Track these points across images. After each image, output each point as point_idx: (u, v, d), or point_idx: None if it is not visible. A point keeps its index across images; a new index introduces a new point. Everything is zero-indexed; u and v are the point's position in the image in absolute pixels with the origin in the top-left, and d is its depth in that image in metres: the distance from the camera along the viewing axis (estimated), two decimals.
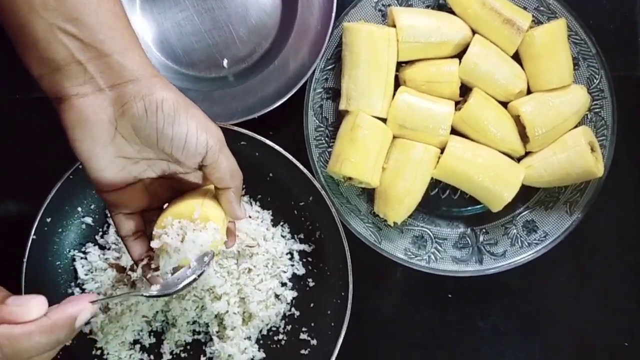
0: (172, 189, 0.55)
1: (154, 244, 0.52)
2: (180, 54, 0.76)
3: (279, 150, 0.69)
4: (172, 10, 0.76)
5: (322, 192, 0.69)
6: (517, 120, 0.71)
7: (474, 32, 0.71)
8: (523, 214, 0.74)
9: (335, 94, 0.73)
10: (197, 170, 0.55)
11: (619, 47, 0.76)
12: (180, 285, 0.51)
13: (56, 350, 0.43)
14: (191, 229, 0.51)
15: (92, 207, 0.73)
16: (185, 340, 0.72)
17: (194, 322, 0.73)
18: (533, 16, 0.71)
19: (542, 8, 0.72)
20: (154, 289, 0.51)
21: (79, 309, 0.43)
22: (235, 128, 0.69)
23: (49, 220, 0.69)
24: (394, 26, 0.69)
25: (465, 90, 0.72)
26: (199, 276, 0.51)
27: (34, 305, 0.41)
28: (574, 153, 0.68)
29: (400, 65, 0.72)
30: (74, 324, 0.43)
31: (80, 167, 0.68)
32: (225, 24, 0.76)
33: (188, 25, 0.76)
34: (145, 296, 0.51)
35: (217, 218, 0.53)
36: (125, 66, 0.48)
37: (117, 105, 0.48)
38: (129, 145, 0.50)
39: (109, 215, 0.73)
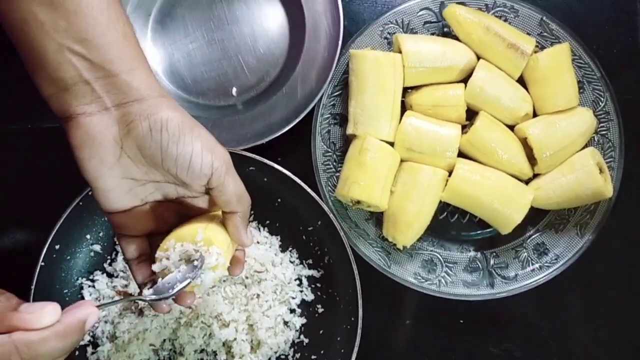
0: (179, 214, 0.55)
1: (155, 267, 0.51)
2: (190, 84, 0.77)
3: (287, 175, 0.70)
4: (182, 42, 0.77)
5: (331, 216, 0.69)
6: (524, 143, 0.71)
7: (478, 57, 0.72)
8: (533, 237, 0.73)
9: (342, 119, 0.74)
10: (205, 195, 0.55)
11: (623, 71, 0.77)
12: (175, 290, 0.49)
13: (67, 354, 0.43)
14: (193, 252, 0.50)
15: (101, 234, 0.73)
16: None
17: (202, 351, 0.72)
18: (537, 42, 0.72)
19: (545, 34, 0.73)
20: (148, 293, 0.50)
21: (87, 312, 0.44)
22: (244, 153, 0.69)
23: (57, 247, 0.69)
24: (400, 52, 0.70)
25: (471, 114, 0.73)
26: (192, 279, 0.50)
27: (47, 312, 0.42)
28: (583, 174, 0.68)
29: (406, 91, 0.73)
30: (84, 327, 0.44)
31: (90, 193, 0.69)
32: (234, 54, 0.77)
33: (198, 55, 0.77)
34: (143, 300, 0.50)
35: (220, 242, 0.51)
36: (132, 85, 0.48)
37: (122, 124, 0.49)
38: (135, 166, 0.50)
39: (117, 242, 0.73)
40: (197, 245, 0.51)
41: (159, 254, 0.51)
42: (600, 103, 0.73)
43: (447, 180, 0.70)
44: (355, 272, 0.68)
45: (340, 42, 0.71)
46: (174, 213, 0.55)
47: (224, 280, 0.71)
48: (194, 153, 0.49)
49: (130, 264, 0.54)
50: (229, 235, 0.54)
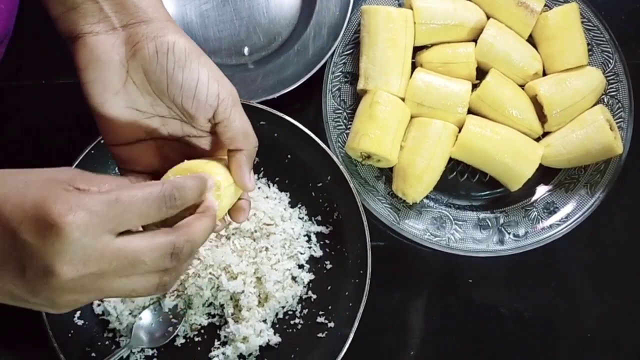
0: (184, 155, 0.53)
1: None
2: (202, 43, 0.78)
3: (298, 127, 0.70)
4: (195, 2, 0.79)
5: (342, 168, 0.69)
6: (535, 101, 0.72)
7: (488, 17, 0.73)
8: (544, 196, 0.73)
9: (353, 77, 0.74)
10: (210, 136, 0.54)
11: (631, 36, 0.78)
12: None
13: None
14: None
15: None
16: (200, 324, 0.71)
17: (210, 304, 0.71)
18: (545, 4, 0.73)
19: None
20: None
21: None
22: (256, 104, 0.70)
23: None
24: (411, 9, 0.71)
25: (481, 74, 0.73)
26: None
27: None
28: (593, 129, 0.69)
29: (416, 51, 0.74)
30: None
31: (102, 141, 0.69)
32: (247, 15, 0.78)
33: (211, 15, 0.78)
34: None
35: (224, 177, 0.50)
36: (139, 7, 0.48)
37: (128, 45, 0.48)
38: (141, 95, 0.49)
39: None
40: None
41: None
42: (609, 64, 0.74)
43: (457, 136, 0.70)
44: (365, 223, 0.68)
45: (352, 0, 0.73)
46: (179, 153, 0.53)
47: (233, 233, 0.71)
48: (200, 81, 0.48)
49: None
50: (232, 177, 0.52)
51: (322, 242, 0.73)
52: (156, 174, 0.52)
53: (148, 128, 0.51)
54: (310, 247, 0.73)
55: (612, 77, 0.73)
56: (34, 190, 0.37)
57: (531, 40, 0.73)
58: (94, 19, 0.47)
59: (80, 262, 0.36)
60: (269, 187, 0.74)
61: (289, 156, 0.73)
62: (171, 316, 0.69)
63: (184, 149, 0.53)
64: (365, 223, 0.68)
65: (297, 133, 0.71)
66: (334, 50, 0.73)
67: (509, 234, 0.71)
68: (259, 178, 0.74)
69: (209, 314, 0.71)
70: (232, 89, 0.51)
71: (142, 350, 0.69)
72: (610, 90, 0.73)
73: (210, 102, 0.49)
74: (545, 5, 0.73)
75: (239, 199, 0.53)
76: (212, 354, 0.70)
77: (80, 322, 0.69)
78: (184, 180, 0.43)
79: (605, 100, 0.73)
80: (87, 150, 0.69)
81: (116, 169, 0.71)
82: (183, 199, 0.42)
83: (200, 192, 0.45)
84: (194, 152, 0.54)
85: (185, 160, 0.49)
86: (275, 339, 0.70)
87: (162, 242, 0.40)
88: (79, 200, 0.36)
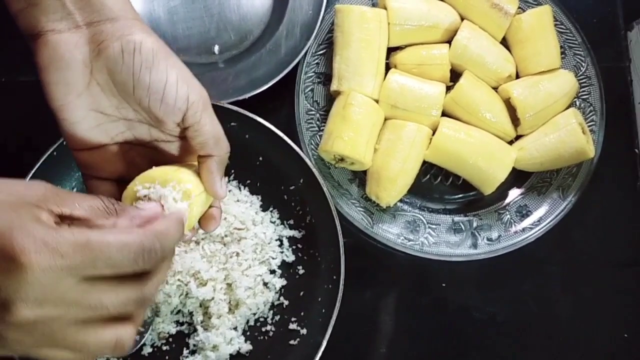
0: (152, 160, 0.51)
1: None
2: (170, 41, 0.75)
3: (270, 129, 0.68)
4: None
5: (315, 170, 0.68)
6: (508, 104, 0.71)
7: (462, 18, 0.72)
8: (516, 199, 0.73)
9: (326, 78, 0.73)
10: (179, 140, 0.51)
11: (603, 40, 0.78)
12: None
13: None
14: (162, 192, 0.45)
15: (75, 190, 0.70)
16: (168, 332, 0.68)
17: (178, 312, 0.69)
18: (519, 7, 0.73)
19: None
20: None
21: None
22: (227, 105, 0.68)
23: None
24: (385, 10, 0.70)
25: (455, 77, 0.73)
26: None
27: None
28: (566, 132, 0.69)
29: (390, 51, 0.73)
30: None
31: (65, 143, 0.67)
32: (217, 12, 0.76)
33: (180, 12, 0.76)
34: None
35: (194, 185, 0.47)
36: (105, 4, 0.45)
37: (93, 44, 0.45)
38: (106, 97, 0.47)
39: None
40: (167, 185, 0.45)
41: (124, 196, 0.47)
42: (582, 68, 0.74)
43: (431, 139, 0.70)
44: (338, 227, 0.67)
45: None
46: (146, 159, 0.51)
47: (202, 239, 0.69)
48: (169, 82, 0.46)
49: None
50: (202, 184, 0.49)
51: (294, 247, 0.71)
52: (121, 181, 0.49)
53: (113, 132, 0.48)
54: (282, 252, 0.71)
55: (584, 80, 0.73)
56: (1, 214, 0.34)
57: (505, 42, 0.73)
58: (56, 16, 0.45)
59: (37, 303, 0.34)
60: (240, 190, 0.72)
61: (260, 158, 0.71)
62: None
63: (151, 154, 0.51)
64: (339, 227, 0.67)
65: (268, 135, 0.69)
66: (307, 50, 0.72)
67: (483, 237, 0.71)
68: (229, 181, 0.72)
69: (177, 322, 0.69)
70: (202, 92, 0.48)
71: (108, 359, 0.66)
72: (583, 93, 0.73)
73: (179, 106, 0.47)
74: (519, 7, 0.73)
75: (210, 206, 0.51)
76: None
77: None
78: (167, 228, 0.39)
79: (577, 103, 0.73)
80: (49, 152, 0.66)
81: (78, 173, 0.69)
82: (164, 252, 0.38)
83: (180, 237, 0.42)
84: (162, 158, 0.51)
85: (153, 167, 0.47)
86: (246, 347, 0.68)
87: (131, 294, 0.37)
88: (46, 238, 0.34)
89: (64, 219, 0.38)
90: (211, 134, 0.49)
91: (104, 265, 0.35)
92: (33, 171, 0.65)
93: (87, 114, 0.46)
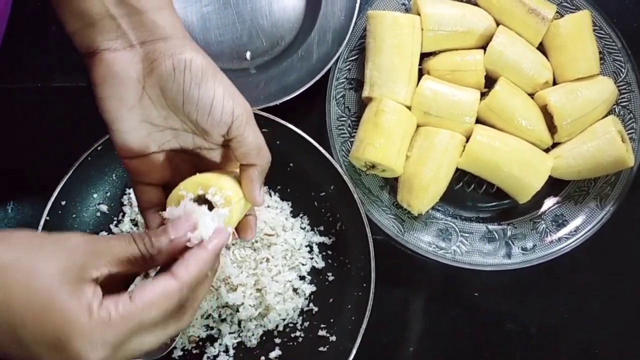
0: (195, 166, 0.54)
1: (166, 213, 0.49)
2: (203, 47, 0.75)
3: (301, 136, 0.68)
4: (196, 4, 0.77)
5: (345, 178, 0.67)
6: (544, 111, 0.70)
7: (497, 24, 0.71)
8: (552, 208, 0.71)
9: (358, 84, 0.72)
10: (221, 148, 0.53)
11: None
12: None
13: None
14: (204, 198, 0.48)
15: (109, 194, 0.71)
16: (198, 336, 0.69)
17: (208, 316, 0.69)
18: (556, 11, 0.71)
19: (565, 3, 0.72)
20: None
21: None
22: (258, 112, 0.68)
23: (63, 203, 0.67)
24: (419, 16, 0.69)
25: (490, 83, 0.71)
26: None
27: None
28: (604, 141, 0.67)
29: (423, 57, 0.72)
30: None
31: (99, 148, 0.68)
32: (249, 18, 0.76)
33: (212, 18, 0.76)
34: None
35: (234, 192, 0.49)
36: (157, 24, 0.48)
37: (146, 62, 0.48)
38: (156, 109, 0.49)
39: (124, 203, 0.71)
40: (208, 191, 0.49)
41: (169, 200, 0.50)
42: (621, 74, 0.72)
43: (464, 147, 0.68)
44: (369, 234, 0.66)
45: (358, 3, 0.71)
46: (190, 165, 0.54)
47: (233, 244, 0.69)
48: (216, 98, 0.49)
49: (145, 212, 0.53)
50: (242, 192, 0.52)
51: (324, 253, 0.71)
52: (167, 186, 0.52)
53: (160, 141, 0.51)
54: (312, 258, 0.71)
55: (624, 86, 0.71)
56: (49, 313, 0.38)
57: (541, 48, 0.71)
58: (111, 36, 0.47)
59: None
60: (270, 196, 0.72)
61: (291, 164, 0.71)
62: None
63: (194, 160, 0.54)
64: (369, 234, 0.66)
65: (299, 141, 0.69)
66: (339, 56, 0.71)
67: (517, 247, 0.70)
68: None
69: (207, 326, 0.69)
70: (246, 105, 0.51)
71: None
72: (622, 100, 0.71)
73: (225, 119, 0.49)
74: (557, 12, 0.71)
75: (246, 215, 0.53)
76: None
77: None
78: (201, 268, 0.43)
79: (617, 110, 0.71)
80: (83, 157, 0.67)
81: (114, 175, 0.71)
82: (202, 293, 0.46)
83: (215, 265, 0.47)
84: (204, 164, 0.54)
85: (197, 174, 0.50)
86: (276, 352, 0.68)
87: (172, 332, 0.44)
88: (100, 335, 0.38)
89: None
90: (254, 145, 0.51)
91: (149, 324, 0.41)
92: (67, 176, 0.67)
93: (138, 125, 0.49)
